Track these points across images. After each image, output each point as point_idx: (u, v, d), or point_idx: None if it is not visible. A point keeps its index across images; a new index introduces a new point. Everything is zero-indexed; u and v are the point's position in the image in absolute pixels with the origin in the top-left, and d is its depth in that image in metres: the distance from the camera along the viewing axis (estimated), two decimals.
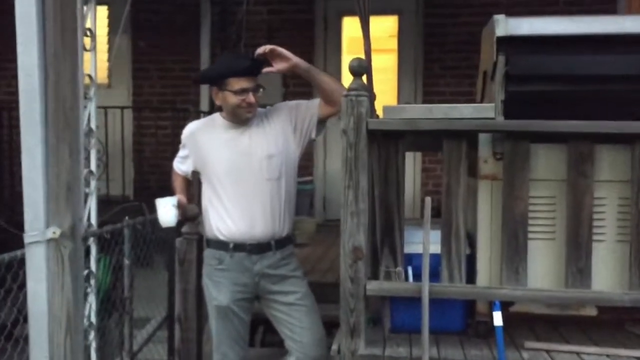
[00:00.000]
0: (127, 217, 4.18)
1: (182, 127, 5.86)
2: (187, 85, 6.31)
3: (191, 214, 2.83)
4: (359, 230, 2.43)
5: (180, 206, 2.74)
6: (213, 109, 6.39)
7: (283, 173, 2.65)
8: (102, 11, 6.51)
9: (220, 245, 2.68)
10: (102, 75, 5.96)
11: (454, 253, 2.47)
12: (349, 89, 2.42)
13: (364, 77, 2.50)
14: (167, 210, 2.68)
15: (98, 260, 4.05)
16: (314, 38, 6.19)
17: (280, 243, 2.66)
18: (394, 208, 2.52)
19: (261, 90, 2.62)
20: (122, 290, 4.27)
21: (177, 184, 2.87)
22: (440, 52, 5.95)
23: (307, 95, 5.97)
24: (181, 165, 2.84)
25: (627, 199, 2.40)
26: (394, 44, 6.16)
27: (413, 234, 2.59)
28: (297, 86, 5.96)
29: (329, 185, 6.21)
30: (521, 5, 5.68)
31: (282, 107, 2.73)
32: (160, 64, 6.39)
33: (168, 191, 6.37)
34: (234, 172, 2.64)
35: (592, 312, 2.65)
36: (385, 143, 2.52)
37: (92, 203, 3.76)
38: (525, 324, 2.68)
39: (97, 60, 3.81)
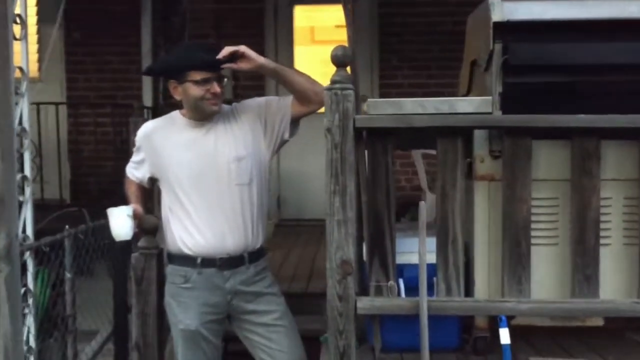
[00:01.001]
0: (67, 226, 3.77)
1: (124, 124, 5.47)
2: (128, 79, 5.87)
3: (149, 226, 2.48)
4: (347, 242, 2.14)
5: (136, 216, 2.40)
6: (157, 104, 5.99)
7: (254, 177, 2.36)
8: None
9: (186, 260, 2.35)
10: (31, 69, 5.44)
11: (452, 263, 2.23)
12: (332, 82, 2.13)
13: (348, 68, 2.21)
14: (121, 222, 2.33)
15: (36, 275, 3.63)
16: (264, 28, 5.87)
17: (254, 256, 2.37)
18: (384, 215, 2.25)
19: (225, 80, 2.33)
20: (64, 306, 3.86)
21: (132, 191, 2.51)
22: (398, 43, 5.73)
23: (258, 90, 5.65)
24: (135, 171, 2.50)
25: (634, 198, 2.22)
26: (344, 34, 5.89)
27: (402, 242, 2.33)
28: (247, 79, 5.62)
29: (284, 183, 5.91)
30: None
31: (251, 104, 2.43)
32: (97, 56, 5.91)
33: (109, 194, 5.94)
34: (199, 176, 2.33)
35: (598, 322, 2.47)
36: (372, 142, 2.24)
37: (28, 212, 3.33)
38: (523, 336, 2.48)
39: (28, 54, 3.38)
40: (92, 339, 4.43)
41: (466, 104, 2.23)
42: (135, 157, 2.49)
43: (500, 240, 2.23)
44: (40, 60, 6.04)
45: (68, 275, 3.69)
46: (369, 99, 2.23)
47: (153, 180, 2.48)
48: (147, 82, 5.74)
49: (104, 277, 5.00)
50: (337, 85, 2.13)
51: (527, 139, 2.19)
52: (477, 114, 2.24)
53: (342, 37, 5.96)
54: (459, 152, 2.21)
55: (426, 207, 2.13)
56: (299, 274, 3.84)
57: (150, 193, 2.65)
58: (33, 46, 6.00)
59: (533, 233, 2.23)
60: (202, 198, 2.33)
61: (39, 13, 5.99)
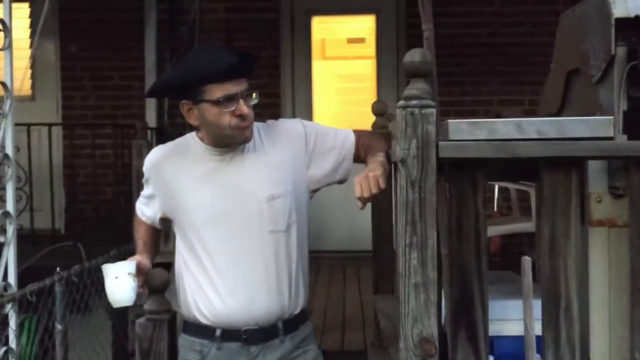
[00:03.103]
0: (58, 269, 3.21)
1: (126, 146, 4.92)
2: (129, 96, 5.34)
3: (158, 283, 1.91)
4: (428, 312, 1.59)
5: (140, 272, 1.84)
6: (162, 124, 5.44)
7: (293, 222, 1.80)
8: (24, 10, 5.46)
9: (202, 331, 1.80)
10: (24, 87, 4.92)
11: (564, 339, 1.67)
12: (408, 97, 1.59)
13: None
14: (120, 283, 1.77)
15: (21, 324, 3.07)
16: (280, 40, 5.34)
17: (292, 324, 1.81)
18: (473, 274, 1.69)
19: (254, 95, 1.75)
20: None
21: (139, 236, 1.96)
22: None
23: (273, 108, 5.12)
24: (146, 208, 1.94)
25: None
26: (370, 47, 5.39)
27: (489, 305, 1.78)
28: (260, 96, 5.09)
29: None
30: (514, 4, 5.04)
31: (291, 128, 1.87)
32: (96, 71, 5.37)
33: (107, 224, 5.36)
34: (219, 220, 1.77)
35: None
36: (458, 177, 1.69)
37: (10, 255, 2.78)
38: None
39: (13, 67, 2.85)
40: None
41: (580, 126, 1.68)
42: (144, 191, 1.94)
43: (628, 309, 1.68)
44: (33, 77, 5.54)
45: (59, 327, 3.13)
46: (449, 120, 1.67)
47: (167, 221, 1.93)
48: (151, 100, 5.22)
49: (101, 311, 4.46)
50: (414, 102, 1.58)
51: None
52: (594, 139, 1.69)
53: (355, 52, 5.52)
54: (573, 189, 1.67)
55: None
56: (330, 323, 3.27)
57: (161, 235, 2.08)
58: (24, 61, 5.48)
59: None
60: (223, 249, 1.77)
61: (31, 25, 5.48)
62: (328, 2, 5.29)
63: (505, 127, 1.71)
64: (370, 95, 5.37)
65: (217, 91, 1.68)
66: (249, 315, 1.75)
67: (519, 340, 1.78)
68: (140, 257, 1.88)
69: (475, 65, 5.06)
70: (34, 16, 5.37)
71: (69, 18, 5.21)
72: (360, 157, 1.88)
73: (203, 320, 1.78)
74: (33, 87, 5.47)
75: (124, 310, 4.47)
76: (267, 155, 1.80)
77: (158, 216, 1.90)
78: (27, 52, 5.41)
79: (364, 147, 1.88)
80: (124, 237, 4.64)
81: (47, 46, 5.41)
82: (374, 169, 1.73)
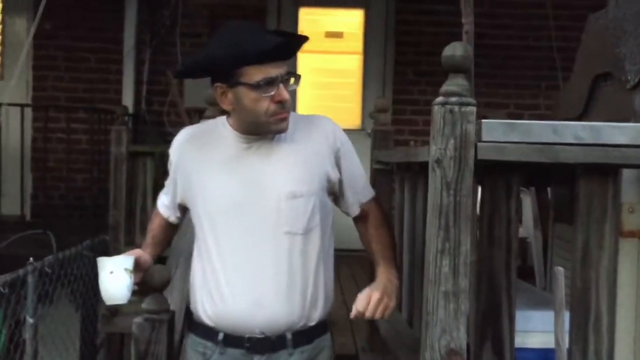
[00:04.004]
0: (31, 259, 3.02)
1: (101, 132, 4.71)
2: (105, 80, 5.12)
3: (158, 281, 1.77)
4: (457, 322, 1.49)
5: (140, 268, 1.69)
6: (139, 110, 5.23)
7: (315, 225, 1.66)
8: None
9: (206, 332, 1.67)
10: None
11: (592, 353, 1.59)
12: (447, 93, 1.49)
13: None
14: (116, 279, 1.62)
15: None
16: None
17: (305, 337, 1.67)
18: (502, 282, 1.61)
19: (294, 80, 1.61)
20: (21, 356, 3.10)
21: (153, 227, 1.84)
22: (415, 54, 5.13)
23: None
24: (165, 197, 1.82)
25: None
26: (358, 42, 5.28)
27: None
28: None
29: None
30: (513, 6, 4.99)
31: (325, 126, 1.72)
32: (71, 51, 5.13)
33: (77, 211, 5.13)
34: (234, 212, 1.63)
35: None
36: (492, 180, 1.60)
37: None
38: None
39: None
40: None
41: (617, 133, 1.60)
42: (168, 178, 1.80)
43: None
44: (3, 55, 5.27)
45: (30, 320, 2.94)
46: (483, 120, 1.58)
47: (184, 213, 1.80)
48: (128, 84, 5.02)
49: (66, 305, 4.26)
50: (454, 99, 1.49)
51: None
52: (631, 146, 1.62)
53: (340, 46, 5.41)
54: (609, 198, 1.60)
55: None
56: (342, 325, 3.12)
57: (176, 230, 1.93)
58: None
59: None
60: (233, 246, 1.63)
61: (4, 1, 5.20)
62: None
63: (541, 129, 1.62)
64: (356, 91, 5.27)
65: (257, 74, 1.53)
66: (252, 321, 1.62)
67: (541, 353, 1.71)
68: (141, 252, 1.73)
69: None
70: None
71: None
72: (362, 228, 1.80)
73: (206, 321, 1.66)
74: (2, 65, 5.19)
75: (93, 302, 4.28)
76: (297, 149, 1.65)
77: (176, 203, 1.76)
78: None
79: (374, 226, 1.78)
80: (95, 226, 4.45)
81: (18, 23, 5.15)
82: (390, 294, 1.64)
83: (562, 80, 4.99)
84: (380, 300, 1.59)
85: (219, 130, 1.68)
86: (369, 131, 5.11)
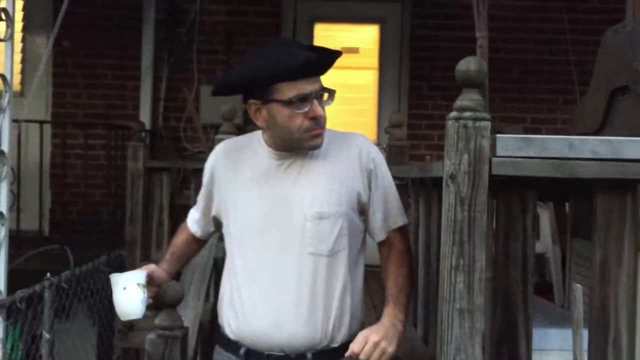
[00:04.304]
0: (48, 274, 3.03)
1: (118, 148, 4.75)
2: (123, 96, 5.17)
3: (172, 297, 1.77)
4: (473, 341, 1.48)
5: (153, 283, 1.70)
6: (156, 126, 5.26)
7: (343, 248, 1.64)
8: (17, 2, 5.25)
9: (230, 345, 1.69)
10: (14, 82, 4.73)
11: None
12: (461, 108, 1.48)
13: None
14: (129, 295, 1.63)
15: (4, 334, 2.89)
16: None
17: (327, 357, 1.65)
18: (519, 300, 1.58)
19: (328, 95, 1.61)
20: None
21: (176, 242, 1.84)
22: (430, 69, 5.12)
23: None
24: (195, 212, 1.83)
25: None
26: (373, 57, 5.29)
27: None
28: None
29: None
30: (530, 20, 4.96)
31: (363, 146, 1.70)
32: (89, 69, 5.19)
33: (94, 226, 5.17)
34: (260, 230, 1.63)
35: None
36: (508, 195, 1.58)
37: (1, 260, 2.60)
38: None
39: (14, 60, 2.71)
40: None
41: (636, 147, 1.58)
42: (201, 192, 1.81)
43: None
44: (23, 72, 5.34)
45: (47, 335, 2.95)
46: (498, 135, 1.57)
47: (218, 226, 1.79)
48: (145, 100, 5.06)
49: (82, 318, 4.28)
50: (468, 114, 1.48)
51: None
52: None
53: (357, 62, 5.41)
54: (628, 214, 1.57)
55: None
56: None
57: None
58: (17, 55, 5.29)
59: None
60: (258, 264, 1.63)
61: (25, 19, 5.29)
62: (332, 10, 5.19)
63: (557, 144, 1.60)
64: (372, 106, 5.27)
65: (290, 90, 1.54)
66: (273, 339, 1.62)
67: None
68: (155, 268, 1.74)
69: None
70: (28, 9, 5.19)
71: (65, 12, 5.03)
72: (383, 255, 1.74)
73: (230, 335, 1.67)
74: (22, 82, 5.26)
75: (109, 317, 4.30)
76: (329, 167, 1.64)
77: (211, 215, 1.76)
78: (18, 46, 5.24)
79: (395, 264, 1.72)
80: (112, 241, 4.47)
81: (39, 41, 5.23)
82: (390, 339, 1.59)
83: (579, 95, 4.96)
84: (377, 344, 1.56)
85: (254, 146, 1.68)
86: (384, 146, 5.15)
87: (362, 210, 1.69)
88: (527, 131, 4.60)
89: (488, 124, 1.48)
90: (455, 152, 1.47)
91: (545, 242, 3.22)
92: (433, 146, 4.95)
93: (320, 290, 1.61)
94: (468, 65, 1.49)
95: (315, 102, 1.55)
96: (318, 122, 1.57)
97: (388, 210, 1.71)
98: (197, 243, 1.84)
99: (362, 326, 1.71)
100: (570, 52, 4.95)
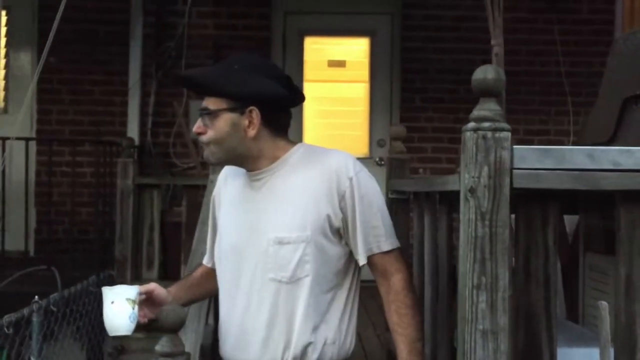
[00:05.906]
0: (36, 297, 2.92)
1: (106, 165, 4.63)
2: (110, 112, 5.06)
3: (172, 322, 1.67)
4: None
5: (154, 303, 1.64)
6: (144, 142, 5.15)
7: (305, 275, 1.56)
8: None
9: None
10: None
11: None
12: (479, 119, 1.42)
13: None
14: (116, 309, 1.58)
15: None
16: (271, 60, 5.15)
17: None
18: (542, 320, 1.51)
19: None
20: None
21: (193, 269, 1.90)
22: (422, 81, 5.08)
23: None
24: (208, 239, 1.89)
25: None
26: (364, 70, 5.24)
27: None
28: None
29: None
30: (520, 32, 4.94)
31: (336, 166, 1.60)
32: (75, 84, 5.08)
33: (81, 246, 5.03)
34: (232, 253, 1.65)
35: None
36: (528, 209, 1.52)
37: None
38: None
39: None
40: None
41: None
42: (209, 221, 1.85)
43: None
44: (7, 89, 5.23)
45: None
46: (514, 146, 1.50)
47: None
48: (133, 116, 4.96)
49: (71, 342, 4.14)
50: (487, 125, 1.42)
51: None
52: None
53: (346, 75, 5.37)
54: None
55: None
56: None
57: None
58: (0, 72, 5.19)
59: None
60: (228, 287, 1.66)
61: (8, 35, 5.18)
62: (322, 23, 5.14)
63: (575, 155, 1.54)
64: (363, 119, 5.22)
65: None
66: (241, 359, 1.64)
67: None
68: (156, 286, 1.71)
69: (467, 93, 4.95)
70: (11, 25, 5.08)
71: (49, 28, 4.93)
72: (382, 291, 1.64)
73: (219, 351, 1.72)
74: (6, 99, 5.15)
75: (99, 340, 4.16)
76: (298, 189, 1.58)
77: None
78: (1, 63, 5.13)
79: (397, 313, 1.63)
80: (100, 260, 4.34)
81: (23, 57, 5.12)
82: None
83: (571, 106, 4.95)
84: None
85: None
86: (377, 159, 5.09)
87: (339, 234, 1.60)
88: (519, 143, 4.54)
89: (508, 134, 1.42)
90: (475, 165, 1.41)
91: None
92: (426, 159, 4.90)
93: (281, 317, 1.57)
94: (485, 73, 1.43)
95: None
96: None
97: (369, 233, 1.60)
98: (213, 278, 1.74)
99: (351, 348, 1.65)
100: (561, 63, 4.94)
